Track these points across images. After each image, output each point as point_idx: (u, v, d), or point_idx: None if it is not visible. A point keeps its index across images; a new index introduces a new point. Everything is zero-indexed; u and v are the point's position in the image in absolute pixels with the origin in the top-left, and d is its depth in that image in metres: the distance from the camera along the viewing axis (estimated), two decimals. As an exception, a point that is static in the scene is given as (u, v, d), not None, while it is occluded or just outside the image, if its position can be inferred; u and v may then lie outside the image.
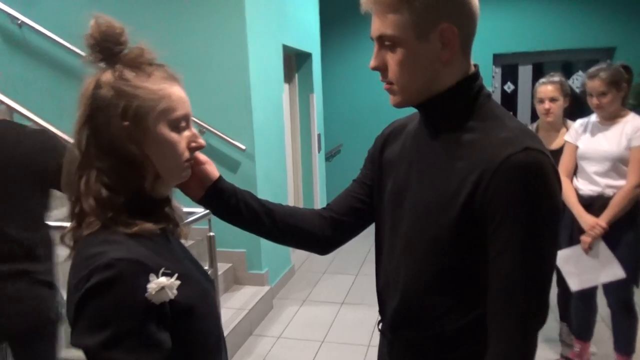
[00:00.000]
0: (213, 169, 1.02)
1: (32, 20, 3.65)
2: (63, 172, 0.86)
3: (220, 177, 1.03)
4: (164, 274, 0.77)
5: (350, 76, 6.60)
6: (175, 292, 0.77)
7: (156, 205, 0.89)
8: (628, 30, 5.71)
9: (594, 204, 2.35)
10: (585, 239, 2.33)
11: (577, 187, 2.44)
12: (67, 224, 0.85)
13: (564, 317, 2.80)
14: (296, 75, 4.96)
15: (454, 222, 0.85)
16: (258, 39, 3.59)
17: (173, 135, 0.85)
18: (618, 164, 2.30)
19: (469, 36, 0.88)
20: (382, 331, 1.09)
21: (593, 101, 2.33)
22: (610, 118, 2.35)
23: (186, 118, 0.87)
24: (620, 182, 2.29)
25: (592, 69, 2.35)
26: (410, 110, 1.02)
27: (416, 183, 0.94)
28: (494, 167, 0.81)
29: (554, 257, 0.87)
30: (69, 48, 3.56)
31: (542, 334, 0.95)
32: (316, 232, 1.08)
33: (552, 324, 2.84)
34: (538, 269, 0.83)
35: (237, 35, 3.42)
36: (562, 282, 2.57)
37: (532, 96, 2.69)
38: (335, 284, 4.14)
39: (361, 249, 4.73)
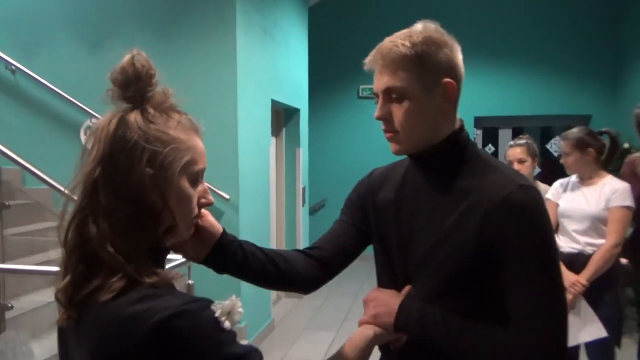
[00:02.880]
0: (215, 222, 0.96)
1: (28, 68, 3.72)
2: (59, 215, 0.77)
3: (224, 230, 0.98)
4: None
5: (337, 133, 6.76)
6: (241, 310, 0.74)
7: (164, 254, 0.82)
8: (603, 100, 6.01)
9: (575, 262, 2.38)
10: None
11: (558, 245, 2.48)
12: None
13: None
14: (284, 129, 5.06)
15: (468, 258, 0.92)
16: (248, 93, 3.69)
17: (191, 189, 0.79)
18: (597, 224, 2.36)
19: (460, 91, 0.99)
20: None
21: (561, 160, 2.49)
22: (587, 179, 2.44)
23: (203, 172, 0.83)
24: (600, 241, 2.34)
25: (567, 132, 2.50)
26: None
27: (423, 229, 1.00)
28: (496, 206, 0.90)
29: (562, 282, 0.93)
30: (63, 96, 3.62)
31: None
32: (308, 274, 1.09)
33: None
34: (554, 294, 0.90)
35: (228, 88, 3.51)
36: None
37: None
38: (316, 340, 4.03)
39: (343, 305, 4.66)
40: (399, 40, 0.94)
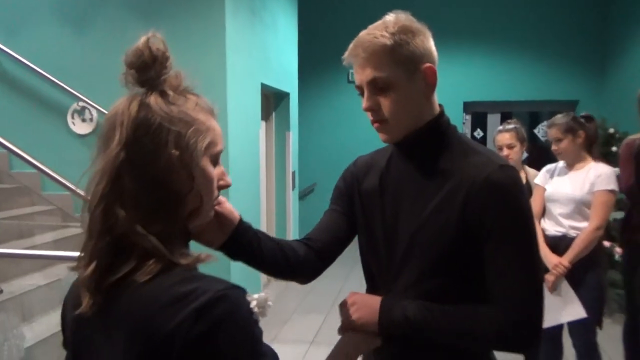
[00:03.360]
0: (233, 209, 0.96)
1: (12, 50, 3.65)
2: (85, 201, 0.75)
3: (241, 218, 0.99)
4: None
5: (326, 117, 6.75)
6: (271, 304, 0.73)
7: (189, 236, 0.81)
8: (590, 85, 6.06)
9: (559, 245, 2.43)
10: (548, 277, 2.39)
11: (544, 228, 2.53)
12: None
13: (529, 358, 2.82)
14: (273, 113, 5.04)
15: (452, 239, 0.95)
16: (237, 77, 3.67)
17: (213, 171, 0.78)
18: (581, 207, 2.40)
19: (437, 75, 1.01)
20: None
21: (553, 147, 2.49)
22: (574, 163, 2.48)
23: (220, 154, 0.82)
24: (583, 224, 2.39)
25: (552, 119, 2.52)
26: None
27: (408, 213, 1.02)
28: (478, 186, 0.94)
29: (540, 259, 0.98)
30: (48, 78, 3.57)
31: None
32: (309, 264, 1.10)
33: (520, 366, 2.86)
34: (532, 270, 0.94)
35: (217, 72, 3.48)
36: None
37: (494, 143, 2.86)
38: (306, 322, 4.08)
39: (333, 288, 4.71)
40: (377, 32, 0.97)
